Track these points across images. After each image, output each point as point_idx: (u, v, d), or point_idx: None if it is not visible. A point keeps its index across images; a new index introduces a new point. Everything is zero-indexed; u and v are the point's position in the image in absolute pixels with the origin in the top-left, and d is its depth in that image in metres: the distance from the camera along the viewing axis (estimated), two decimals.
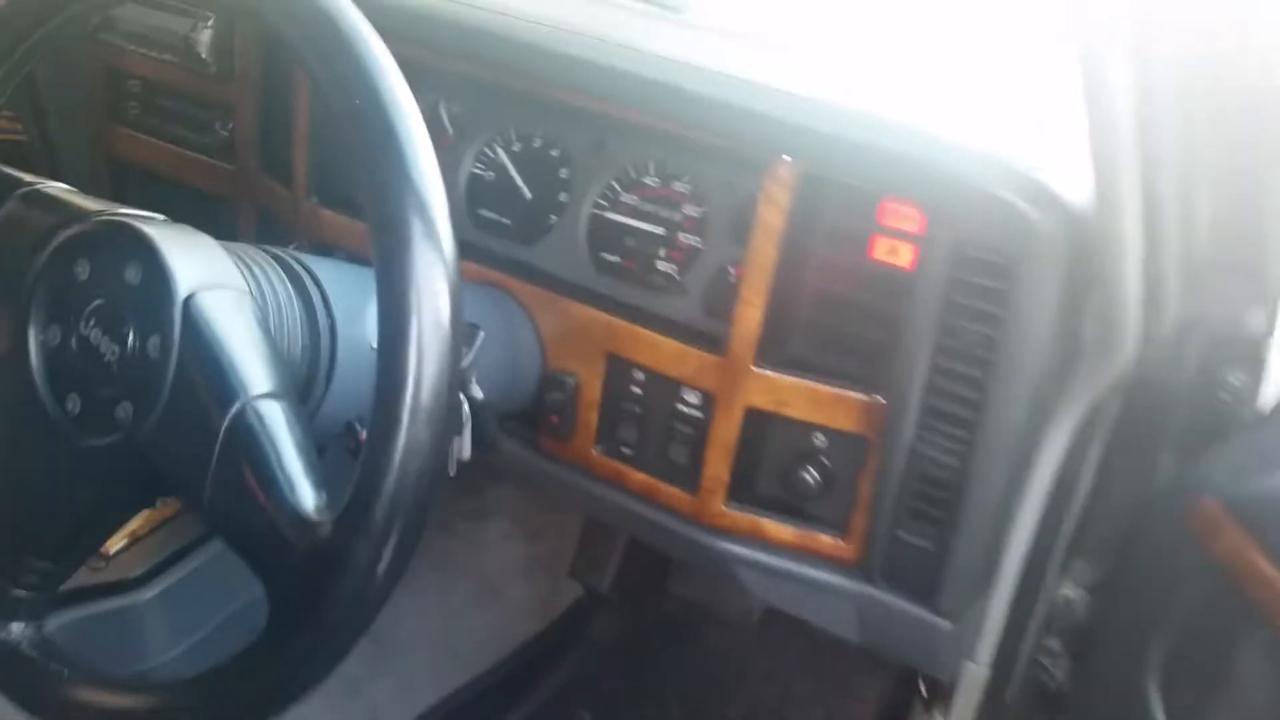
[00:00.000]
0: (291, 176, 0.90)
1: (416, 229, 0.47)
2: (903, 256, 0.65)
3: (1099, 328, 0.65)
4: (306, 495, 0.48)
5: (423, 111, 0.51)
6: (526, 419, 0.83)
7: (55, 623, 0.64)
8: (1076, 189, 0.59)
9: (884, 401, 0.68)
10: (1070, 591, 0.86)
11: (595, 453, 0.80)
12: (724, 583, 1.39)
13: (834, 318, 0.70)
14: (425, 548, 1.24)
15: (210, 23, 0.92)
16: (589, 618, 1.42)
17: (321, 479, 0.50)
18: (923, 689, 0.99)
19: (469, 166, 0.87)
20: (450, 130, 0.88)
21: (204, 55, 0.93)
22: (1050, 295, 0.60)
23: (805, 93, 0.70)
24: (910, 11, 0.99)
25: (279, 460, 0.49)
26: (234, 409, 0.50)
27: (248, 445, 0.49)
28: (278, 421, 0.50)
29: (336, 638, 0.48)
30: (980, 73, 0.84)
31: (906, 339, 0.65)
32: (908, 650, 0.87)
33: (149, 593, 1.04)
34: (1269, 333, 0.64)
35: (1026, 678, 0.91)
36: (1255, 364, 0.69)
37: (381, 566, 0.47)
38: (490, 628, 1.35)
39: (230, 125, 0.96)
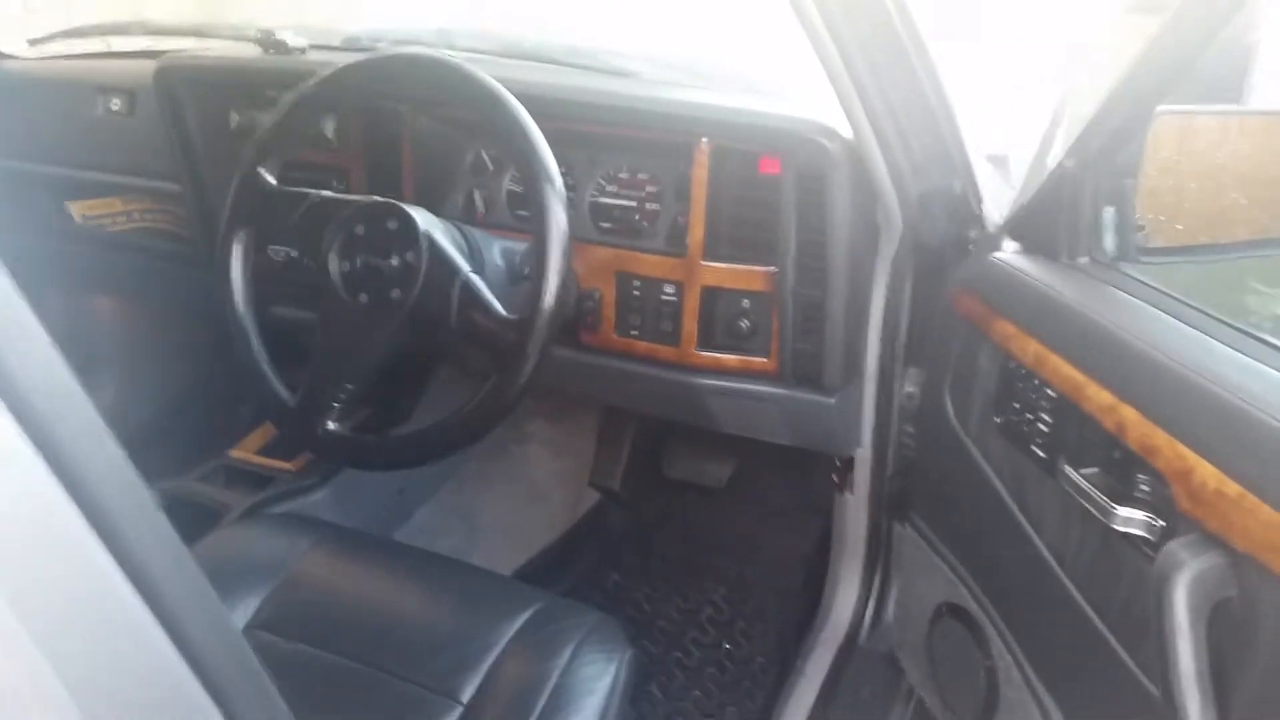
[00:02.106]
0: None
1: (552, 195, 1.02)
2: (774, 169, 1.19)
3: (881, 211, 1.20)
4: (503, 310, 1.02)
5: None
6: (570, 329, 1.35)
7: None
8: (848, 128, 1.14)
9: (776, 269, 1.23)
10: (911, 389, 1.34)
11: (615, 336, 1.32)
12: (700, 459, 1.92)
13: (743, 227, 1.24)
14: (490, 464, 1.80)
15: (334, 117, 1.44)
16: (608, 512, 1.94)
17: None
18: (835, 479, 1.51)
19: (507, 186, 1.41)
20: (490, 167, 1.42)
21: (330, 136, 1.45)
22: (845, 189, 1.14)
23: (712, 101, 1.25)
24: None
25: (488, 298, 1.03)
26: (459, 279, 1.03)
27: (470, 294, 1.03)
28: (480, 282, 1.04)
29: (530, 369, 1.01)
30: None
31: (782, 229, 1.20)
32: (816, 436, 1.38)
33: None
34: (973, 194, 1.18)
35: (897, 456, 1.40)
36: (979, 221, 1.24)
37: (546, 335, 1.00)
38: (541, 520, 1.86)
39: (345, 181, 1.47)
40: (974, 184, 1.18)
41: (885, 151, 1.09)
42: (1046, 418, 0.96)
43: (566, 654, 1.04)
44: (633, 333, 1.32)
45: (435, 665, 1.04)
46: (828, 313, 1.21)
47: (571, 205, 1.34)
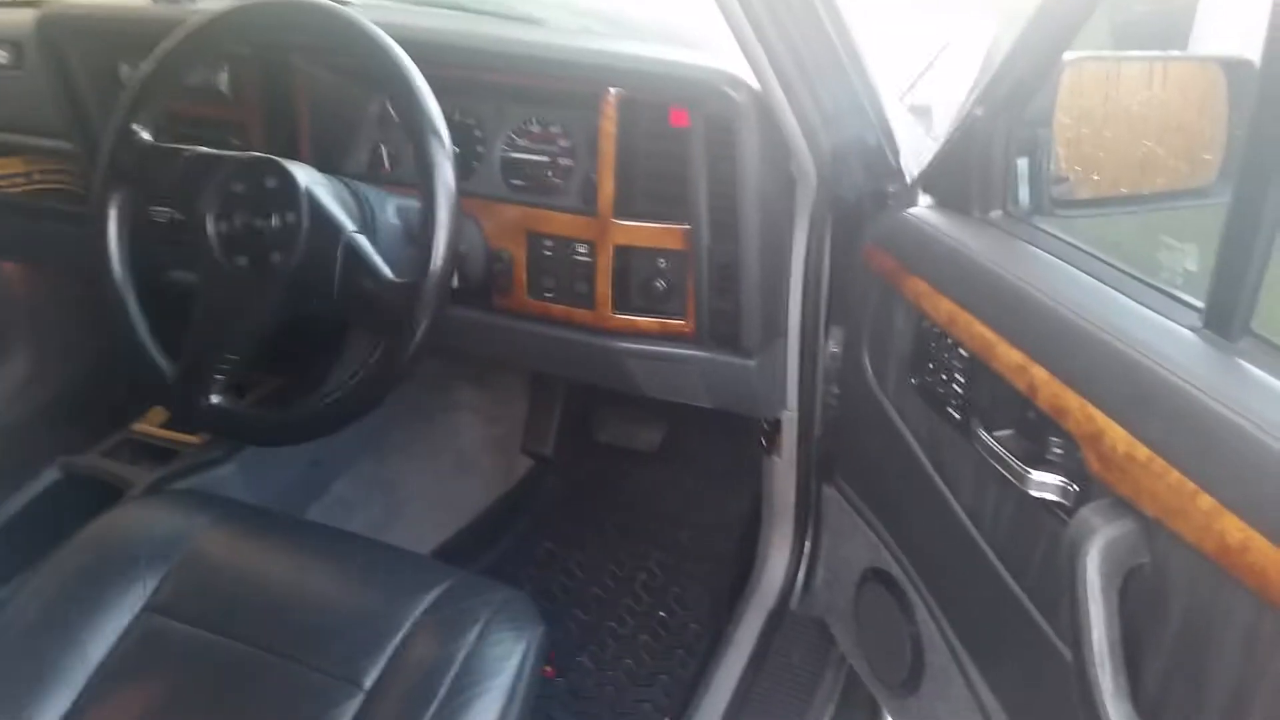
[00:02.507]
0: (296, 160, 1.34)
1: (439, 152, 0.95)
2: (684, 121, 1.13)
3: (795, 165, 1.15)
4: (390, 272, 0.96)
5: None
6: (481, 292, 1.29)
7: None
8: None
9: (689, 227, 1.17)
10: (835, 349, 1.32)
11: (528, 299, 1.27)
12: (630, 424, 1.88)
13: (655, 182, 1.18)
14: (414, 433, 1.74)
15: (226, 69, 1.36)
16: (541, 479, 1.89)
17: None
18: (763, 442, 1.47)
19: None
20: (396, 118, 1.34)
21: (224, 90, 1.37)
22: (754, 141, 1.08)
23: (621, 50, 1.18)
24: None
25: (373, 260, 0.96)
26: (343, 239, 0.97)
27: (354, 256, 0.96)
28: (365, 243, 0.98)
29: (418, 339, 0.95)
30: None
31: (693, 186, 1.14)
32: (738, 398, 1.33)
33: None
34: (889, 146, 1.13)
35: (823, 418, 1.38)
36: (897, 175, 1.19)
37: (435, 301, 0.94)
38: (470, 490, 1.81)
39: (242, 137, 1.39)
40: (890, 136, 1.13)
41: (793, 102, 1.04)
42: (960, 379, 0.94)
43: (473, 634, 1.00)
44: (547, 295, 1.26)
45: (336, 649, 0.99)
46: (743, 271, 1.16)
47: (481, 160, 1.29)
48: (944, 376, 0.97)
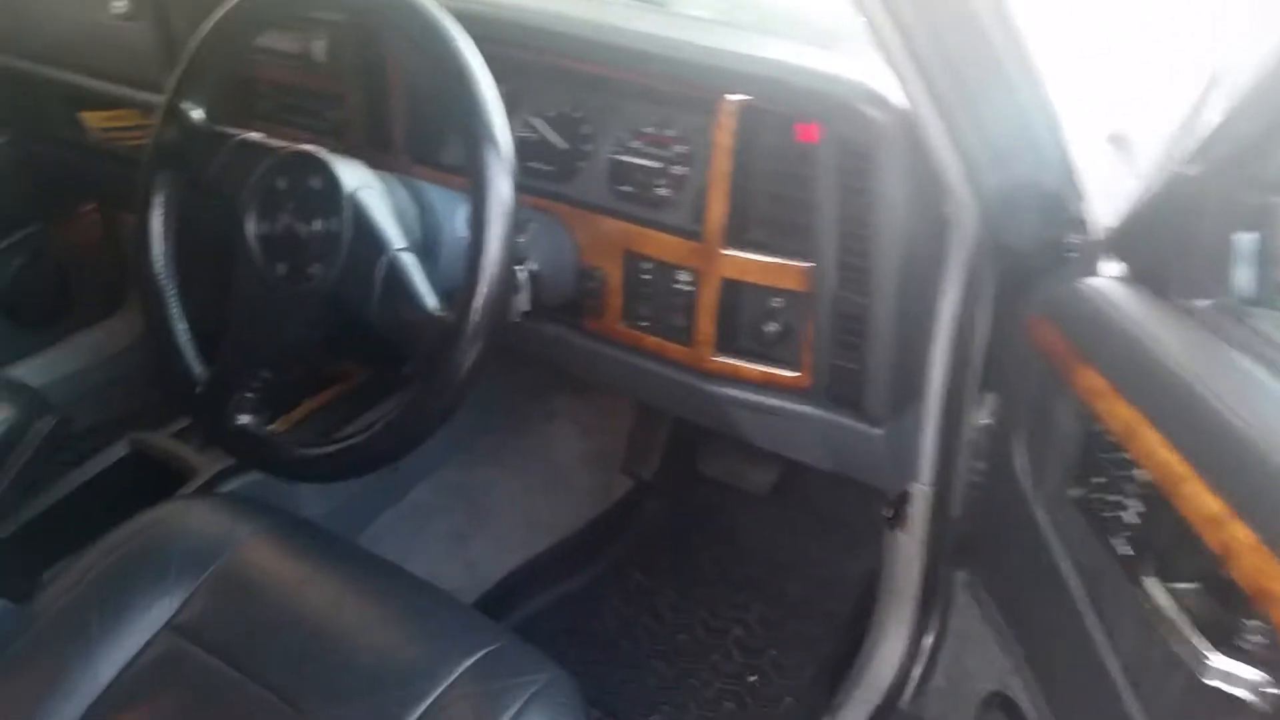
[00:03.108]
0: (390, 144, 1.21)
1: (494, 161, 0.79)
2: (813, 137, 0.93)
3: (951, 204, 0.92)
4: (432, 303, 0.80)
5: None
6: (572, 309, 1.13)
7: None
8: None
9: (814, 265, 0.96)
10: (987, 419, 1.11)
11: (620, 326, 1.09)
12: (740, 462, 1.68)
13: (777, 209, 0.98)
14: (505, 441, 1.58)
15: (324, 36, 1.24)
16: (639, 503, 1.73)
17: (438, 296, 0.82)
18: (887, 515, 1.25)
19: (516, 132, 1.17)
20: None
21: (319, 60, 1.25)
22: (897, 172, 0.87)
23: (745, 48, 0.98)
24: None
25: (415, 285, 0.81)
26: (386, 257, 0.82)
27: (396, 278, 0.81)
28: (412, 263, 0.82)
29: (459, 382, 0.79)
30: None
31: (820, 216, 0.93)
32: (860, 466, 1.13)
33: None
34: (1069, 192, 0.89)
35: (966, 496, 1.17)
36: (1080, 225, 0.95)
37: (481, 339, 0.78)
38: (561, 507, 1.66)
39: (340, 111, 1.28)
40: (1072, 178, 0.89)
41: (951, 129, 0.81)
42: (1135, 506, 0.73)
43: (507, 716, 0.86)
44: (641, 324, 1.08)
45: (358, 709, 0.88)
46: (872, 325, 0.95)
47: (588, 160, 1.12)
48: (1113, 499, 0.75)
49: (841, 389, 1.00)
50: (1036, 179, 0.87)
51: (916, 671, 1.26)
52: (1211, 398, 0.65)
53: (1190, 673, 0.62)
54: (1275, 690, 0.57)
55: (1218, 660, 0.60)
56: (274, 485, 1.32)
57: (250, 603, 0.99)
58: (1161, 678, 0.70)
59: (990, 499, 1.07)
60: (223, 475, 1.30)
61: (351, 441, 0.84)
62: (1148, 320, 0.75)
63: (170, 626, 0.97)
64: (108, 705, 0.92)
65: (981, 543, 1.10)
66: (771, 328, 1.01)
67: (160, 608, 0.98)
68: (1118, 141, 1.06)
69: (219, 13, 0.95)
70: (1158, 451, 0.67)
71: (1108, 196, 0.92)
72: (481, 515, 1.58)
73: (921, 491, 1.16)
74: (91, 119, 1.62)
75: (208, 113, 0.98)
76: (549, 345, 1.18)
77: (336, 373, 1.46)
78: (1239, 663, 0.59)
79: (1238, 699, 0.59)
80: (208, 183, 0.96)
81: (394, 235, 0.84)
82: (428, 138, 1.20)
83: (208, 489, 1.28)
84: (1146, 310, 0.76)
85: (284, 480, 1.32)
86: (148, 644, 0.96)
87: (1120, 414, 0.72)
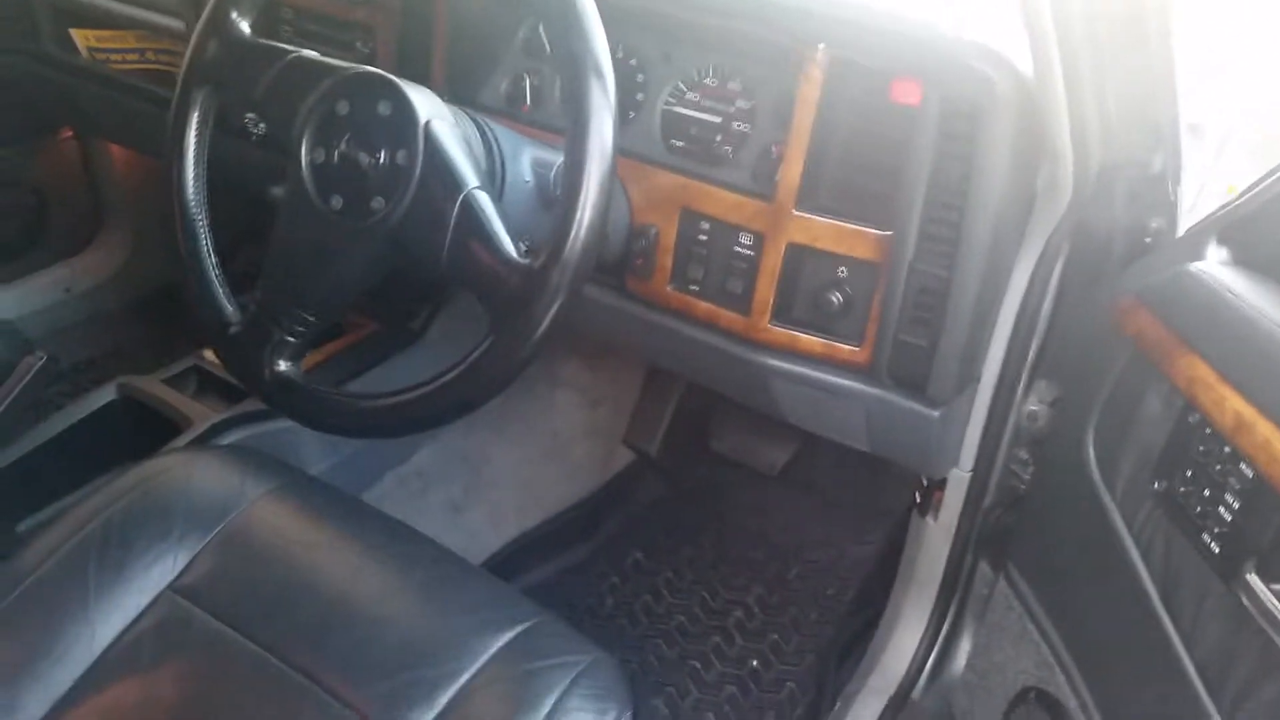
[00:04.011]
0: (427, 80, 1.13)
1: (600, 99, 0.73)
2: (911, 97, 0.88)
3: (1046, 177, 0.89)
4: (512, 249, 0.74)
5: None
6: (616, 270, 1.07)
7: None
8: (1024, 60, 0.83)
9: (890, 233, 0.92)
10: (1035, 406, 1.08)
11: (669, 289, 1.03)
12: (753, 439, 1.64)
13: (855, 172, 0.93)
14: (509, 407, 1.51)
15: None
16: (640, 477, 1.68)
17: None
18: (917, 498, 1.22)
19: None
20: (548, 48, 1.11)
21: None
22: (1007, 139, 0.82)
23: None
24: None
25: (493, 227, 0.74)
26: (462, 195, 0.75)
27: (473, 218, 0.75)
28: (488, 203, 0.75)
29: (538, 337, 0.73)
30: None
31: (908, 181, 0.88)
32: (907, 449, 1.09)
33: None
34: (1172, 175, 0.87)
35: (1000, 483, 1.14)
36: (1169, 209, 0.93)
37: (565, 292, 0.72)
38: (560, 478, 1.61)
39: (371, 44, 1.20)
40: (1177, 164, 0.86)
41: (1072, 96, 0.77)
42: (1233, 501, 0.70)
43: (548, 702, 0.81)
44: (692, 288, 1.03)
45: (380, 686, 0.82)
46: (951, 301, 0.91)
47: (639, 110, 1.06)
48: (1207, 493, 0.73)
49: (906, 367, 0.96)
50: (1145, 159, 0.84)
51: (931, 662, 1.23)
52: None
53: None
54: None
55: None
56: (273, 439, 1.25)
57: (262, 566, 0.92)
58: (1254, 679, 0.68)
59: (1039, 489, 1.05)
60: (220, 427, 1.22)
61: (421, 391, 0.77)
62: (1267, 306, 0.72)
63: (173, 588, 0.91)
64: (104, 672, 0.85)
65: (1021, 534, 1.07)
66: (836, 298, 0.96)
67: (163, 566, 0.92)
68: (1195, 130, 1.04)
69: None
70: (1273, 445, 0.65)
71: (1191, 183, 0.89)
72: (480, 486, 1.52)
73: (960, 478, 1.13)
74: (83, 37, 1.51)
75: (253, 27, 0.90)
76: (583, 307, 1.12)
77: (342, 324, 1.38)
78: None
79: None
80: (255, 103, 0.87)
81: (469, 172, 0.77)
82: (469, 77, 1.12)
83: (203, 441, 1.20)
84: (1265, 296, 0.73)
85: (294, 433, 1.25)
86: (149, 606, 0.90)
87: (1230, 406, 0.69)
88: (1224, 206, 0.80)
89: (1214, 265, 0.78)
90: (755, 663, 1.42)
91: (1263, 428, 0.66)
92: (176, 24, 1.35)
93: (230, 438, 1.22)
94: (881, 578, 1.36)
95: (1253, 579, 0.66)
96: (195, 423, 1.21)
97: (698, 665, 1.41)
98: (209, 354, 1.33)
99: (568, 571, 1.53)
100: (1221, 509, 0.71)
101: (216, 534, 0.93)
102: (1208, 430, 0.73)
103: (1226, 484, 0.71)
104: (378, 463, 1.41)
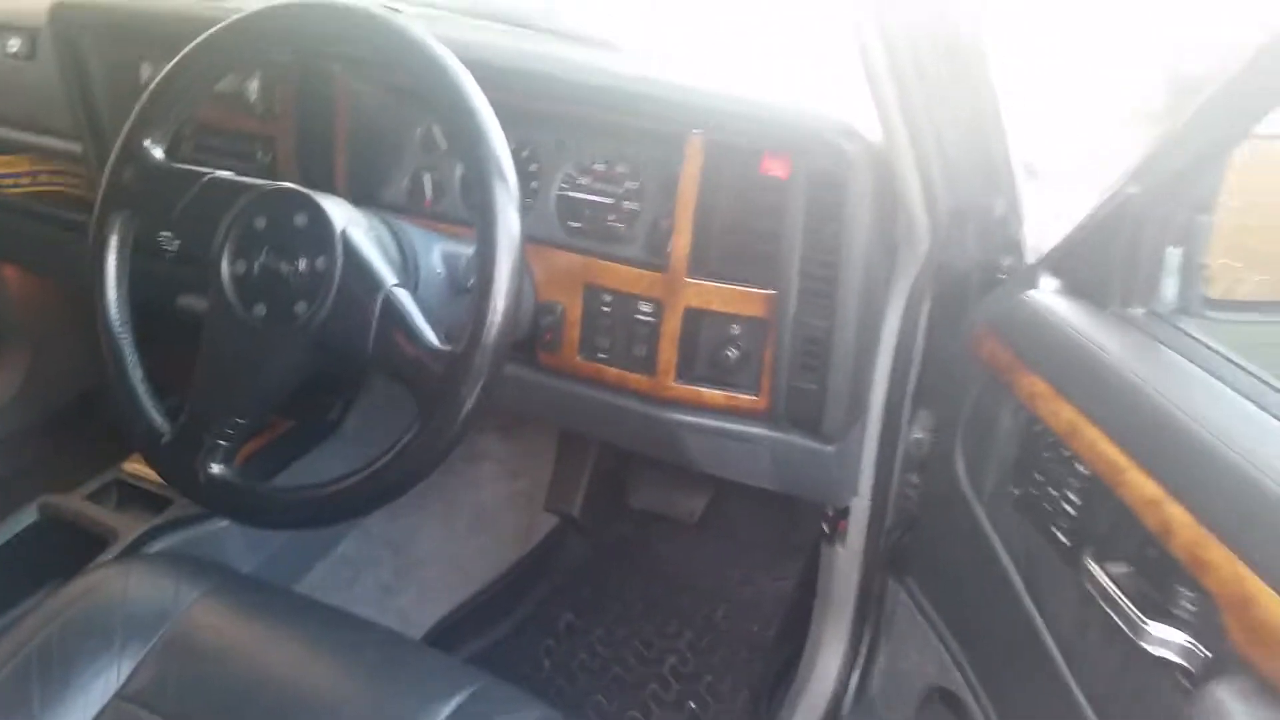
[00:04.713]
0: (330, 185, 1.19)
1: (503, 196, 0.80)
2: (781, 170, 0.98)
3: (904, 228, 1.00)
4: (434, 338, 0.80)
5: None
6: (526, 346, 1.14)
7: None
8: (873, 128, 0.94)
9: (775, 292, 1.02)
10: (919, 434, 1.18)
11: (579, 360, 1.11)
12: (670, 491, 1.72)
13: (738, 239, 1.03)
14: (431, 485, 1.56)
15: (257, 76, 1.22)
16: (564, 541, 1.73)
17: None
18: (825, 529, 1.32)
19: (460, 171, 1.19)
20: (443, 145, 1.19)
21: (252, 100, 1.22)
22: (866, 200, 0.94)
23: (707, 87, 1.04)
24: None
25: (414, 320, 0.81)
26: (382, 294, 0.81)
27: (394, 313, 0.81)
28: (408, 298, 0.82)
29: (464, 417, 0.79)
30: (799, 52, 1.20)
31: (785, 245, 0.99)
32: (810, 484, 1.18)
33: None
34: (1013, 215, 0.99)
35: (897, 507, 1.24)
36: (1016, 247, 1.05)
37: (486, 373, 0.78)
38: (487, 550, 1.65)
39: (271, 153, 1.25)
40: (1017, 205, 0.98)
41: (920, 159, 0.89)
42: (1074, 498, 0.81)
43: None
44: (600, 356, 1.11)
45: None
46: (834, 347, 1.01)
47: (536, 197, 1.14)
48: (1053, 492, 0.83)
49: (800, 410, 1.05)
50: (987, 202, 0.96)
51: (854, 680, 1.32)
52: (1155, 394, 0.73)
53: (1129, 642, 0.68)
54: (1204, 652, 0.64)
55: (1156, 629, 0.66)
56: (200, 543, 1.27)
57: (207, 665, 0.94)
58: (1100, 650, 0.77)
59: (926, 508, 1.15)
60: (146, 537, 1.23)
61: (357, 478, 0.82)
62: (1088, 328, 0.84)
63: (120, 696, 0.92)
64: None
65: (917, 550, 1.17)
66: (732, 354, 1.05)
67: (108, 677, 0.93)
68: (1029, 170, 1.18)
69: (192, 48, 0.92)
70: (1099, 445, 0.75)
71: (1031, 222, 1.02)
72: (408, 567, 1.55)
73: (861, 505, 1.22)
74: None
75: (167, 152, 0.95)
76: (501, 384, 1.18)
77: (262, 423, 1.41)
78: (1173, 629, 0.66)
79: (1171, 662, 0.66)
80: (172, 224, 0.92)
81: (387, 271, 0.84)
82: (370, 178, 1.19)
83: (132, 552, 1.21)
84: (1086, 319, 0.85)
85: (220, 536, 1.27)
86: (98, 715, 0.90)
87: (1064, 415, 0.80)
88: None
89: (1046, 294, 0.91)
90: (693, 704, 1.48)
91: (1089, 432, 0.77)
92: (74, 147, 1.38)
93: (157, 546, 1.23)
94: (802, 609, 1.44)
95: (1090, 563, 0.75)
96: (121, 535, 1.21)
97: (638, 715, 1.46)
98: (128, 466, 1.34)
99: (502, 641, 1.57)
100: (1066, 505, 0.81)
101: (157, 640, 0.95)
102: (1049, 438, 0.83)
103: (1067, 483, 0.81)
104: (305, 555, 1.43)
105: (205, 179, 0.91)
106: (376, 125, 1.18)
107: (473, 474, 1.68)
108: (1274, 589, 0.57)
